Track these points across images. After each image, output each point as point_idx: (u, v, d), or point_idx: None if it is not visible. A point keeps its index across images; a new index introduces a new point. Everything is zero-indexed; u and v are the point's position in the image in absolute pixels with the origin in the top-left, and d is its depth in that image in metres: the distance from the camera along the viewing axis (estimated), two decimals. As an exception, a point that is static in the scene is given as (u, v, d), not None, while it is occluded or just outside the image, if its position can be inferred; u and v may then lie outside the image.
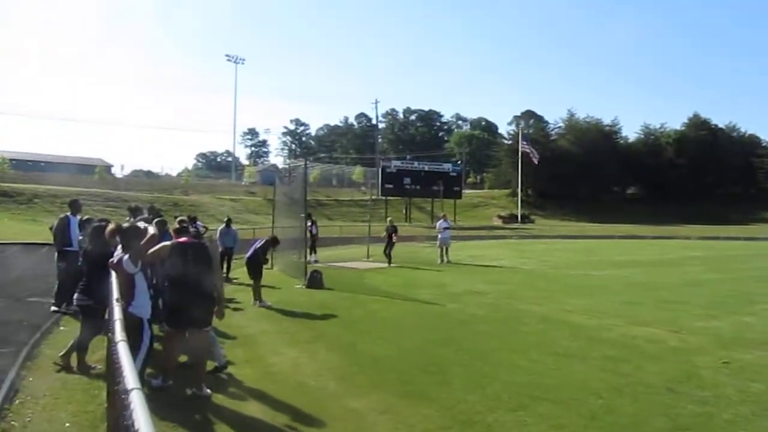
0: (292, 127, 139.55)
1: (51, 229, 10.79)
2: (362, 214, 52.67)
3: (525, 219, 65.73)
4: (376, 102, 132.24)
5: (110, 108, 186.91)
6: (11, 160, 61.20)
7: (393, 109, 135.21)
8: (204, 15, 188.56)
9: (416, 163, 65.08)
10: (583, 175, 74.96)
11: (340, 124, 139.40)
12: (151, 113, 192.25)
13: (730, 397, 6.01)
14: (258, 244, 12.43)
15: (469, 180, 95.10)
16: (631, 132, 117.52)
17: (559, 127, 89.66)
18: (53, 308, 9.88)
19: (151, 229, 6.11)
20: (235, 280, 15.09)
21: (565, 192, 75.85)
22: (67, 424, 5.15)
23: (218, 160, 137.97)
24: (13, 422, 5.12)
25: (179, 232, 6.54)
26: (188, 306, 5.95)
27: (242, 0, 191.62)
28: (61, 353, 6.81)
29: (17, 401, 5.61)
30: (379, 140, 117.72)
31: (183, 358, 6.67)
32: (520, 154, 69.01)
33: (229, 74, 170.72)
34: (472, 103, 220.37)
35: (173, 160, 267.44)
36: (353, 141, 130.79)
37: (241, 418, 5.55)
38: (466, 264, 20.99)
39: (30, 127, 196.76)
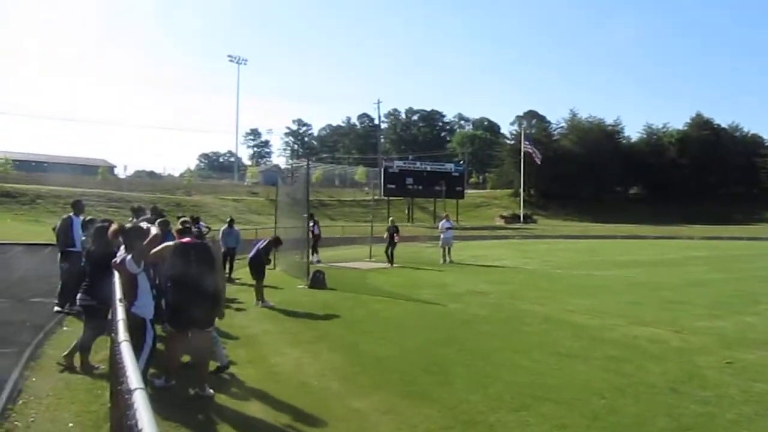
0: (294, 127, 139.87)
1: (54, 229, 10.81)
2: (364, 215, 52.63)
3: (527, 219, 65.69)
4: (379, 102, 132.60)
5: (112, 108, 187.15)
6: (14, 160, 61.31)
7: (395, 110, 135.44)
8: (205, 15, 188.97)
9: (418, 163, 65.02)
10: (586, 175, 74.84)
11: (343, 125, 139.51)
12: (152, 114, 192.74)
13: (733, 397, 6.00)
14: (261, 245, 12.44)
15: (472, 180, 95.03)
16: (633, 132, 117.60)
17: (562, 127, 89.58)
18: (56, 308, 9.90)
19: (154, 230, 6.13)
20: (237, 281, 15.10)
21: (567, 192, 75.74)
22: (71, 424, 5.17)
23: (221, 160, 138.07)
24: (16, 422, 5.14)
25: (182, 232, 6.56)
26: (191, 306, 5.96)
27: (246, 0, 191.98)
28: (65, 353, 6.82)
29: (20, 401, 5.63)
30: (382, 140, 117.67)
31: (186, 359, 6.68)
32: (522, 154, 68.95)
33: (232, 74, 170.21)
34: (474, 103, 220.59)
35: (176, 160, 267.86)
36: (355, 141, 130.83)
37: (244, 418, 5.55)
38: (469, 264, 20.98)
39: (31, 127, 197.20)
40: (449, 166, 65.40)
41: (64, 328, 8.87)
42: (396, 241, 20.40)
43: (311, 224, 17.75)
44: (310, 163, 18.10)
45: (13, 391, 5.85)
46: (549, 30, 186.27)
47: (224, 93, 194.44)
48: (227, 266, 15.51)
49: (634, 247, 32.15)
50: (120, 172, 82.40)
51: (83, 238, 8.99)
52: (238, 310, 11.26)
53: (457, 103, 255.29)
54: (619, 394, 6.08)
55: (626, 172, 78.42)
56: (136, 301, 5.56)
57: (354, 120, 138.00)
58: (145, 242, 5.72)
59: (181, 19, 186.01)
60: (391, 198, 59.51)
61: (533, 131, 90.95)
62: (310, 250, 17.76)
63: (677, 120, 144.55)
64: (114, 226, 6.61)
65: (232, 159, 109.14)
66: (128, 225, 6.71)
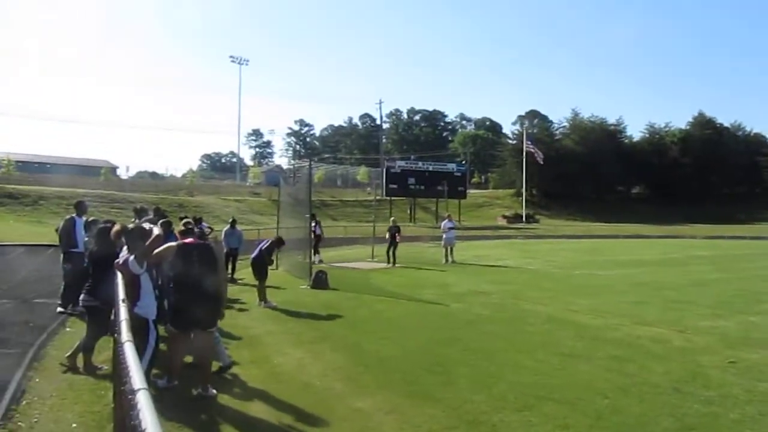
0: (296, 127, 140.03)
1: (57, 230, 10.82)
2: (367, 215, 52.59)
3: (530, 219, 65.62)
4: (380, 102, 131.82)
5: (113, 109, 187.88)
6: (17, 161, 61.42)
7: (397, 110, 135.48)
8: (207, 15, 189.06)
9: (420, 163, 64.98)
10: (588, 174, 74.77)
11: (345, 125, 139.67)
12: (154, 114, 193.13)
13: (736, 396, 5.99)
14: (263, 245, 12.45)
15: (474, 180, 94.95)
16: (635, 131, 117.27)
17: (564, 126, 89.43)
18: (59, 309, 9.92)
19: (156, 230, 6.13)
20: (240, 281, 15.11)
21: (569, 192, 75.68)
22: (74, 425, 5.17)
23: (223, 161, 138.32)
24: (20, 423, 5.15)
25: (185, 233, 6.56)
26: (193, 307, 5.96)
27: (247, 1, 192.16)
28: (68, 354, 6.83)
29: (24, 402, 5.64)
30: (384, 140, 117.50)
31: (188, 359, 6.69)
32: (524, 153, 68.83)
33: (233, 75, 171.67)
34: (476, 103, 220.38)
35: (178, 161, 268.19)
36: (357, 141, 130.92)
37: (247, 418, 5.56)
38: (471, 264, 20.96)
39: (32, 128, 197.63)
40: (451, 166, 65.34)
41: (67, 329, 8.88)
42: (397, 241, 20.39)
43: (313, 224, 17.75)
44: (312, 163, 18.11)
45: (17, 392, 5.86)
46: (551, 30, 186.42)
47: (226, 93, 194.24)
48: (230, 267, 15.52)
49: (636, 247, 32.10)
50: (122, 173, 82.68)
51: (86, 239, 8.98)
52: (240, 310, 11.27)
53: (459, 103, 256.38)
54: (623, 393, 6.08)
55: (628, 172, 78.26)
56: (138, 301, 5.56)
57: (356, 120, 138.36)
58: (147, 243, 5.72)
59: (183, 20, 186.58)
60: (393, 198, 59.50)
61: (535, 131, 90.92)
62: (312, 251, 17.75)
63: (679, 119, 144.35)
64: (116, 227, 6.62)
65: (235, 159, 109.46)
66: (131, 226, 6.72)
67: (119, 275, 5.71)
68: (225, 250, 15.16)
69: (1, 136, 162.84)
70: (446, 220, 22.45)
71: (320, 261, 19.49)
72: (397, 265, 19.64)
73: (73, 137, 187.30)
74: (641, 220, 61.64)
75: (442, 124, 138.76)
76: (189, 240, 6.40)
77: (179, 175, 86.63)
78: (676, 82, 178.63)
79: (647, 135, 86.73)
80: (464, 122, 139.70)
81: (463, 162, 76.39)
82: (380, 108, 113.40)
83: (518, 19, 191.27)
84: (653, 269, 19.80)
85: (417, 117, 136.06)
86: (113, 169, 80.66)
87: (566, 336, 8.93)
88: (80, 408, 5.56)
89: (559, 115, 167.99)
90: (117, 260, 5.83)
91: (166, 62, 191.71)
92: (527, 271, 19.30)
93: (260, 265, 12.09)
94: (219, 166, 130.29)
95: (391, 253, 20.11)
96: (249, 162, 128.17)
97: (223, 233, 16.42)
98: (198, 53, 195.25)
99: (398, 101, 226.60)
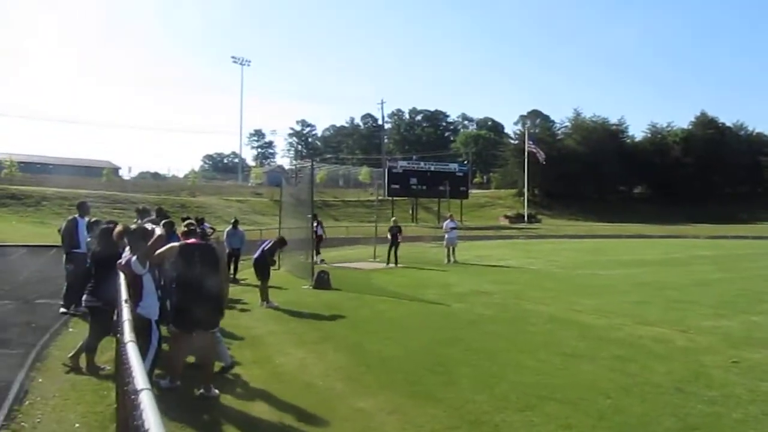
0: (298, 128, 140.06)
1: (59, 231, 10.84)
2: (369, 215, 52.68)
3: (532, 219, 65.60)
4: (382, 102, 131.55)
5: (114, 109, 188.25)
6: (19, 162, 61.53)
7: (399, 110, 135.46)
8: (208, 16, 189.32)
9: (422, 163, 65.03)
10: (590, 174, 74.77)
11: (346, 125, 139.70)
12: (156, 115, 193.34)
13: (739, 396, 5.98)
14: (266, 246, 12.45)
15: (476, 180, 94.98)
16: (637, 131, 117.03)
17: (566, 126, 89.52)
18: (62, 310, 9.93)
19: (158, 230, 6.14)
20: (242, 281, 15.11)
21: (571, 191, 75.67)
22: (77, 425, 5.18)
23: (225, 161, 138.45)
24: (23, 423, 5.16)
25: (187, 234, 6.58)
26: (195, 307, 5.96)
27: (249, 1, 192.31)
28: (70, 354, 6.84)
29: (27, 402, 5.65)
30: (385, 141, 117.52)
31: (191, 359, 6.70)
32: (526, 153, 68.79)
33: (235, 75, 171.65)
34: (478, 103, 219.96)
35: (180, 161, 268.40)
36: (359, 141, 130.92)
37: (249, 418, 5.56)
38: (473, 264, 20.95)
39: (33, 128, 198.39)
40: (453, 166, 65.34)
41: (70, 330, 8.89)
42: (399, 241, 20.37)
43: (314, 225, 17.75)
44: (314, 163, 18.12)
45: (20, 392, 5.87)
46: (553, 29, 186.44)
47: (228, 94, 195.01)
48: (232, 267, 15.54)
49: (638, 247, 32.06)
50: (124, 174, 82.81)
51: (88, 239, 9.00)
52: (242, 310, 11.27)
53: (461, 103, 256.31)
54: (625, 393, 6.07)
55: (630, 172, 78.24)
56: (141, 301, 5.57)
57: (357, 120, 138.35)
58: (149, 243, 5.73)
59: (184, 20, 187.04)
60: (395, 198, 59.53)
61: (537, 131, 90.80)
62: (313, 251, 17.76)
63: (682, 119, 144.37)
64: (119, 228, 6.63)
65: (237, 160, 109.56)
66: (133, 226, 6.73)
67: (122, 276, 5.72)
68: (227, 251, 15.19)
69: (1, 137, 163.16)
70: (448, 221, 22.45)
71: (321, 261, 19.49)
72: (399, 265, 19.63)
73: (73, 138, 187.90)
74: (643, 219, 61.62)
75: (444, 124, 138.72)
76: (191, 240, 6.41)
77: (181, 175, 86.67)
78: (678, 82, 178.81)
79: (649, 135, 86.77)
80: (466, 122, 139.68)
81: (465, 162, 76.38)
82: (382, 108, 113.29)
83: (520, 18, 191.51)
84: (655, 269, 19.77)
85: (419, 117, 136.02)
86: (115, 169, 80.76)
87: (568, 336, 8.92)
88: (83, 408, 5.57)
89: (561, 115, 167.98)
90: (119, 261, 5.84)
91: (166, 62, 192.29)
92: (529, 271, 19.29)
93: (263, 266, 12.10)
94: (221, 167, 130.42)
95: (392, 253, 20.11)
96: (251, 162, 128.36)
97: (225, 234, 16.44)
98: (199, 53, 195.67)
99: (400, 101, 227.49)
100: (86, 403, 5.71)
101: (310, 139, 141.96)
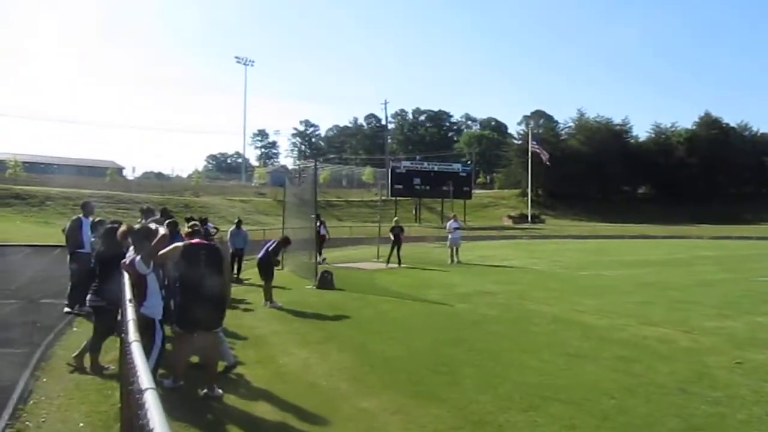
0: (301, 128, 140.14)
1: (64, 231, 10.87)
2: (372, 215, 52.72)
3: (535, 219, 65.57)
4: (386, 103, 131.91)
5: (116, 110, 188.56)
6: (23, 162, 61.70)
7: (402, 110, 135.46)
8: (211, 16, 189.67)
9: (426, 163, 65.05)
10: (594, 174, 74.71)
11: (350, 125, 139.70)
12: (158, 115, 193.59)
13: (743, 397, 5.96)
14: (270, 246, 12.46)
15: (479, 180, 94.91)
16: (641, 131, 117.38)
17: (569, 126, 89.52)
18: (66, 309, 9.95)
19: (162, 230, 6.15)
20: (246, 281, 15.14)
21: (575, 192, 75.63)
22: (81, 425, 5.19)
23: (228, 161, 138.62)
24: (27, 422, 5.17)
25: (191, 235, 6.59)
26: (199, 307, 5.97)
27: (252, 1, 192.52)
28: (75, 354, 6.86)
29: (31, 402, 5.66)
30: (389, 141, 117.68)
31: (194, 359, 6.71)
32: (529, 154, 68.81)
33: (239, 75, 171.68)
34: (481, 103, 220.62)
35: (183, 161, 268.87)
36: (363, 142, 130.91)
37: (252, 418, 5.57)
38: (477, 264, 20.95)
39: (33, 128, 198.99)
40: (457, 167, 65.33)
41: (74, 329, 8.91)
42: (401, 241, 20.36)
43: (317, 225, 17.76)
44: (317, 163, 18.14)
45: (24, 392, 5.89)
46: (556, 29, 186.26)
47: (231, 94, 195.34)
48: (235, 267, 15.56)
49: (642, 247, 32.02)
50: (128, 174, 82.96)
51: (92, 239, 9.03)
52: (246, 310, 11.29)
53: (465, 103, 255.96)
54: (629, 394, 6.06)
55: (634, 172, 78.21)
56: (145, 301, 5.58)
57: (361, 120, 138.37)
58: (153, 243, 5.74)
59: (187, 20, 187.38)
60: (398, 198, 59.56)
61: (541, 131, 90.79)
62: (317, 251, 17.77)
63: (686, 119, 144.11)
64: (123, 228, 6.64)
65: (240, 160, 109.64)
66: (137, 226, 6.74)
67: (126, 275, 5.73)
68: (231, 251, 15.21)
69: (1, 137, 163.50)
70: (452, 221, 22.44)
71: (323, 260, 19.48)
72: (402, 265, 19.62)
73: (74, 138, 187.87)
74: (647, 220, 61.54)
75: (448, 124, 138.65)
76: (195, 240, 6.42)
77: (185, 175, 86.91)
78: (682, 82, 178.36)
79: (653, 135, 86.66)
80: (469, 122, 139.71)
81: (469, 162, 76.53)
82: (385, 108, 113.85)
83: (523, 19, 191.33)
84: (659, 269, 19.75)
85: (422, 117, 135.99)
86: (119, 169, 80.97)
87: (572, 336, 8.91)
88: (87, 408, 5.58)
89: (564, 115, 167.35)
90: (123, 260, 5.86)
91: (167, 62, 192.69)
92: (533, 271, 19.27)
93: (266, 266, 12.11)
94: (224, 167, 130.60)
95: (393, 253, 20.10)
96: (254, 162, 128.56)
97: (228, 233, 16.46)
98: (203, 54, 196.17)
99: (403, 101, 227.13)
100: (90, 402, 5.73)
101: (313, 140, 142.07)
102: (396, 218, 24.59)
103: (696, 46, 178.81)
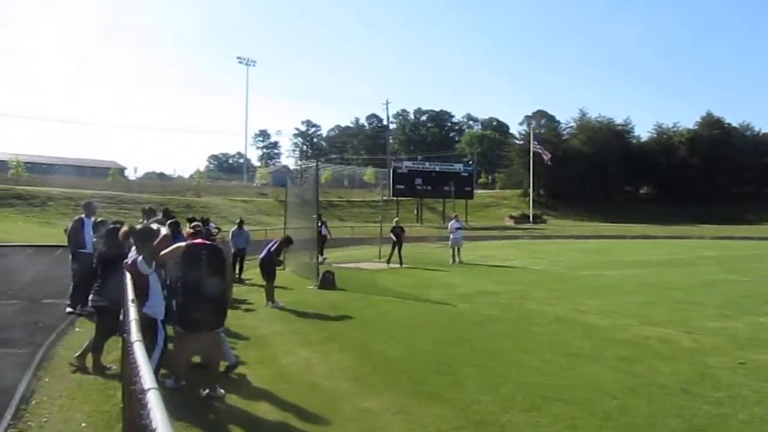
0: (303, 128, 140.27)
1: (66, 231, 10.88)
2: (374, 215, 52.66)
3: (537, 219, 65.53)
4: (387, 103, 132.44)
5: (117, 110, 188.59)
6: (25, 163, 61.77)
7: (404, 110, 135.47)
8: (213, 16, 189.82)
9: (427, 163, 65.01)
10: (595, 174, 74.61)
11: (351, 125, 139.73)
12: (160, 115, 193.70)
13: (746, 397, 5.95)
14: (272, 246, 12.47)
15: (481, 180, 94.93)
16: (643, 131, 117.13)
17: (571, 126, 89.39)
18: (68, 309, 9.96)
19: (164, 230, 6.16)
20: (248, 281, 15.15)
21: (577, 192, 75.54)
22: (83, 424, 5.20)
23: (230, 161, 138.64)
24: (29, 422, 5.18)
25: (194, 236, 6.60)
26: (200, 308, 5.97)
27: (254, 1, 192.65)
28: (77, 354, 6.86)
29: (34, 402, 5.67)
30: (390, 141, 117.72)
31: (196, 359, 6.71)
32: (531, 154, 68.78)
33: (241, 76, 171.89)
34: (483, 103, 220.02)
35: (185, 162, 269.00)
36: (364, 142, 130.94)
37: (254, 418, 5.57)
38: (478, 264, 20.94)
39: (34, 128, 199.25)
40: (458, 167, 65.32)
41: (76, 329, 8.92)
42: (401, 241, 20.37)
43: (318, 225, 17.77)
44: (319, 163, 18.14)
45: (26, 392, 5.89)
46: (558, 30, 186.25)
47: (232, 94, 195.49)
48: (237, 267, 15.58)
49: (644, 247, 32.00)
50: (130, 174, 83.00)
51: (94, 239, 9.04)
52: (247, 310, 11.29)
53: (466, 104, 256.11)
54: (631, 394, 6.05)
55: (636, 172, 78.11)
56: (147, 301, 5.59)
57: (363, 121, 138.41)
58: (155, 243, 5.75)
59: (188, 20, 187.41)
60: (400, 198, 59.54)
61: (542, 131, 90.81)
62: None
63: (687, 119, 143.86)
64: (125, 228, 6.65)
65: (242, 160, 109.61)
66: (139, 226, 6.75)
67: (128, 275, 5.74)
68: (233, 251, 15.22)
69: (1, 137, 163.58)
70: (453, 221, 22.44)
71: (324, 260, 19.47)
72: (404, 265, 19.62)
73: (75, 138, 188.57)
74: (649, 220, 61.45)
75: (449, 124, 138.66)
76: (198, 240, 6.43)
77: (187, 176, 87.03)
78: (684, 82, 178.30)
79: (655, 135, 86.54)
80: (471, 122, 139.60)
81: (470, 162, 76.47)
82: (387, 108, 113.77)
83: (525, 19, 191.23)
84: (661, 270, 19.73)
85: (424, 117, 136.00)
86: (121, 170, 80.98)
87: (574, 336, 8.90)
88: (89, 408, 5.59)
89: (566, 116, 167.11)
90: (125, 261, 5.86)
91: (169, 63, 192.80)
92: (534, 271, 19.27)
93: (268, 266, 12.11)
94: (226, 167, 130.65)
95: (394, 253, 20.10)
96: (256, 163, 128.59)
97: (230, 234, 16.49)
98: (203, 54, 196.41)
99: (405, 102, 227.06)
100: (93, 402, 5.73)
101: (315, 140, 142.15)
102: (397, 218, 24.59)
103: (696, 46, 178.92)
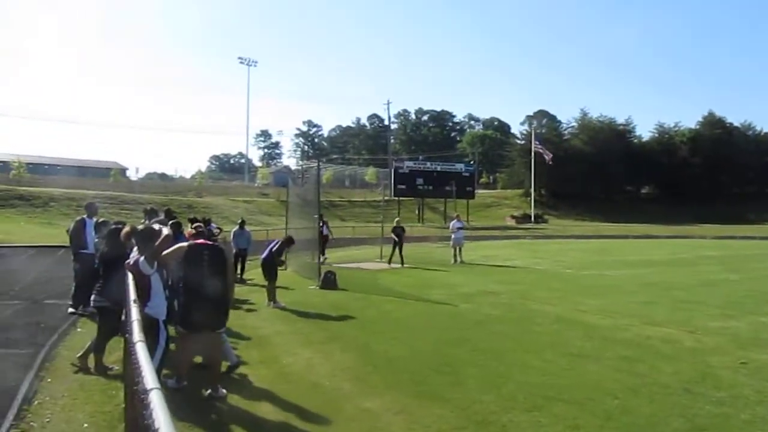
0: (304, 128, 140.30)
1: (67, 231, 10.90)
2: (375, 215, 52.61)
3: (538, 219, 65.51)
4: (388, 103, 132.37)
5: (117, 110, 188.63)
6: (27, 163, 61.84)
7: (405, 110, 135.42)
8: (214, 16, 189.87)
9: (429, 163, 64.99)
10: (597, 174, 74.49)
11: (353, 125, 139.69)
12: (161, 115, 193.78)
13: (747, 397, 5.95)
14: (273, 246, 12.47)
15: (482, 180, 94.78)
16: (644, 131, 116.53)
17: (572, 126, 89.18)
18: (70, 310, 9.98)
19: (165, 230, 6.16)
20: (249, 281, 15.16)
21: (578, 192, 75.42)
22: (85, 425, 5.21)
23: (231, 162, 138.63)
24: (32, 423, 5.19)
25: (196, 237, 6.61)
26: (202, 308, 5.98)
27: (255, 1, 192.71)
28: (79, 354, 6.88)
29: (36, 402, 5.68)
30: (392, 141, 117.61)
31: (198, 359, 6.72)
32: (532, 153, 68.73)
33: (242, 76, 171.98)
34: (484, 103, 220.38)
35: (186, 162, 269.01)
36: (365, 142, 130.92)
37: (256, 418, 5.57)
38: (480, 264, 20.93)
39: (34, 128, 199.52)
40: (459, 167, 65.30)
41: (78, 330, 8.93)
42: (402, 241, 20.36)
43: (320, 225, 17.77)
44: (320, 164, 18.13)
45: (29, 392, 5.90)
46: (558, 30, 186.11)
47: (232, 94, 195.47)
48: (239, 267, 15.60)
49: (645, 247, 31.95)
50: (132, 175, 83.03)
51: (96, 240, 9.05)
52: (249, 310, 11.30)
53: (467, 103, 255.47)
54: (633, 394, 6.05)
55: (637, 172, 77.93)
56: (149, 302, 5.59)
57: (364, 121, 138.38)
58: (156, 243, 5.76)
59: (188, 20, 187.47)
60: (401, 198, 59.54)
61: (544, 131, 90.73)
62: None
63: (689, 119, 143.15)
64: (126, 228, 6.66)
65: (243, 160, 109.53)
66: (140, 227, 6.76)
67: (130, 276, 5.75)
68: (234, 251, 15.23)
69: (1, 137, 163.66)
70: (455, 221, 22.43)
71: (324, 260, 19.45)
72: (405, 265, 19.63)
73: (75, 138, 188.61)
74: (650, 220, 61.36)
75: (450, 124, 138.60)
76: (200, 241, 6.44)
77: (188, 176, 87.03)
78: (685, 82, 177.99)
79: (656, 135, 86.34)
80: (472, 122, 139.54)
81: (472, 162, 76.43)
82: (388, 108, 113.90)
83: (526, 19, 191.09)
84: (662, 269, 19.71)
85: (425, 117, 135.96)
86: (122, 170, 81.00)
87: (575, 336, 8.90)
88: (91, 408, 5.60)
89: (567, 115, 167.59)
90: (127, 261, 5.87)
91: (169, 63, 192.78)
92: (536, 271, 19.25)
93: (270, 266, 12.12)
94: (227, 167, 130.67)
95: (395, 253, 20.10)
96: (257, 163, 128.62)
97: (232, 234, 16.50)
98: (203, 54, 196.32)
99: (406, 102, 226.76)
100: (95, 402, 5.74)
101: (316, 140, 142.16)
102: (397, 218, 24.59)
103: (697, 46, 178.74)
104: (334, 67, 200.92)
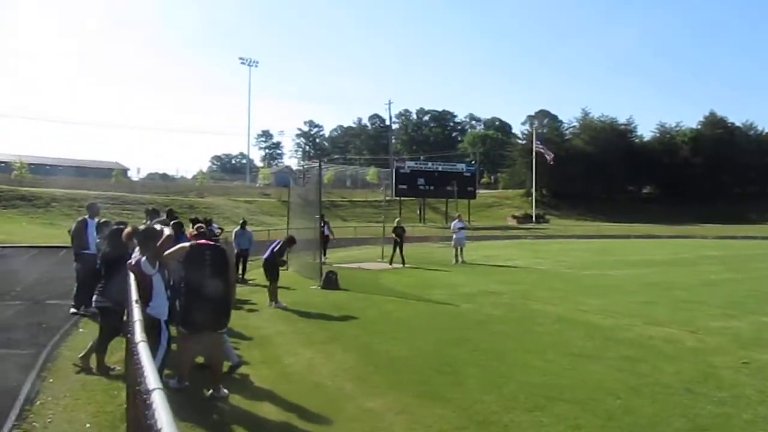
0: (305, 128, 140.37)
1: (69, 232, 10.91)
2: (376, 215, 52.59)
3: (539, 219, 65.48)
4: (390, 103, 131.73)
5: (118, 110, 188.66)
6: (29, 164, 61.92)
7: (406, 110, 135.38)
8: (213, 16, 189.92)
9: (430, 163, 65.02)
10: (598, 174, 74.53)
11: (354, 126, 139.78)
12: (162, 116, 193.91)
13: (749, 397, 5.95)
14: (275, 246, 12.47)
15: (483, 180, 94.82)
16: (646, 131, 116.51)
17: (574, 126, 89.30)
18: (72, 310, 9.98)
19: (167, 230, 6.17)
20: (251, 282, 15.16)
21: (579, 192, 75.47)
22: (87, 425, 5.21)
23: (233, 162, 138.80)
24: (34, 423, 5.19)
25: (197, 237, 6.61)
26: (204, 308, 5.98)
27: (256, 2, 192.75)
28: (81, 355, 6.88)
29: (38, 402, 5.69)
30: (393, 141, 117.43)
31: (200, 360, 6.72)
32: (534, 153, 68.70)
33: (243, 76, 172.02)
34: (485, 103, 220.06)
35: (188, 162, 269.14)
36: (367, 142, 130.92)
37: (258, 418, 5.58)
38: (481, 264, 20.93)
39: (35, 129, 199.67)
40: (461, 167, 65.34)
41: (80, 330, 8.94)
42: (403, 241, 20.35)
43: (322, 225, 17.76)
44: (321, 164, 18.13)
45: (31, 393, 5.91)
46: (559, 30, 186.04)
47: (233, 95, 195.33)
48: (240, 267, 15.59)
49: (647, 247, 31.93)
50: (133, 175, 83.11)
51: (98, 240, 9.06)
52: (251, 311, 11.30)
53: (469, 103, 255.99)
54: (634, 394, 6.05)
55: (639, 172, 77.96)
56: (150, 302, 5.59)
57: (365, 121, 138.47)
58: (158, 243, 5.76)
59: (188, 20, 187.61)
60: (402, 198, 59.55)
61: (545, 131, 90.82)
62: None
63: (690, 119, 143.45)
64: (128, 229, 6.67)
65: (244, 161, 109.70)
66: (142, 227, 6.76)
67: (131, 276, 5.75)
68: (235, 251, 15.23)
69: (1, 137, 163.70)
70: (456, 221, 22.42)
71: (325, 260, 19.44)
72: (406, 265, 19.63)
73: (75, 138, 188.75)
74: (652, 220, 61.35)
75: (452, 124, 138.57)
76: (202, 241, 6.45)
77: (189, 176, 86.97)
78: (686, 82, 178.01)
79: (658, 134, 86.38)
80: (473, 122, 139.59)
81: (473, 162, 76.36)
82: (389, 108, 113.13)
83: (526, 19, 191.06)
84: (664, 269, 19.70)
85: (426, 117, 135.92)
86: (124, 170, 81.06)
87: (576, 336, 8.90)
88: (93, 408, 5.60)
89: (568, 115, 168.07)
90: (129, 261, 5.88)
91: (169, 63, 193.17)
92: (537, 271, 19.25)
93: (272, 266, 12.12)
94: (229, 168, 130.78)
95: (396, 254, 20.11)
96: (259, 163, 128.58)
97: (233, 234, 16.51)
98: (205, 54, 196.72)
99: (407, 102, 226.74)
100: (96, 403, 5.75)
101: (317, 140, 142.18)
102: (398, 218, 24.59)
103: (698, 46, 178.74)
104: (335, 67, 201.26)
